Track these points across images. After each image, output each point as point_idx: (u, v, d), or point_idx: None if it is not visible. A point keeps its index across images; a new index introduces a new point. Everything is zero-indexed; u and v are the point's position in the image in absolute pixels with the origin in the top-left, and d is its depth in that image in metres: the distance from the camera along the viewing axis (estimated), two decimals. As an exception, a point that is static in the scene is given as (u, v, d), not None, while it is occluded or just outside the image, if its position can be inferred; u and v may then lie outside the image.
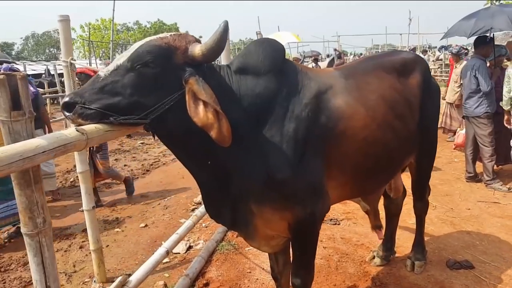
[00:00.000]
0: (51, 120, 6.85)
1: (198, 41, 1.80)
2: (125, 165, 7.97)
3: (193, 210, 5.23)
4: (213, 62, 1.89)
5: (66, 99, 1.67)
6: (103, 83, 1.68)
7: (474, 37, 5.44)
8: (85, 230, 4.58)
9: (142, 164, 8.00)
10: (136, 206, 5.60)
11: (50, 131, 5.52)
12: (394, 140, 2.33)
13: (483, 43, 5.19)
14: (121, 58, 1.72)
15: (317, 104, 1.99)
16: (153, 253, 4.05)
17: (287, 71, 2.01)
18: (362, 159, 2.17)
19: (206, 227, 4.59)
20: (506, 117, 4.85)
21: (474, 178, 5.41)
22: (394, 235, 3.44)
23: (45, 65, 22.83)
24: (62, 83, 11.91)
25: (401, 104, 2.42)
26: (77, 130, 1.58)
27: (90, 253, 3.93)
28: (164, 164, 8.04)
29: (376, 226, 3.13)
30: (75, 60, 3.11)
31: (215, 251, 3.82)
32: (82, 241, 4.38)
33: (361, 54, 27.61)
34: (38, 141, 1.39)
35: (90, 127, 1.65)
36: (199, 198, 5.55)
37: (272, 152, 1.89)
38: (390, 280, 3.15)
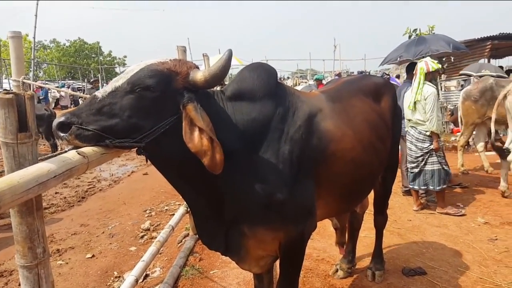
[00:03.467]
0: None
1: (197, 67, 1.82)
2: (56, 193, 7.37)
3: (142, 237, 5.03)
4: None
5: (62, 118, 1.60)
6: (101, 104, 1.65)
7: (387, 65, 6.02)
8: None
9: (76, 191, 7.47)
10: (77, 236, 5.21)
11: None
12: (375, 160, 2.50)
13: (412, 68, 5.54)
14: (119, 80, 1.70)
15: (309, 126, 2.07)
16: (106, 284, 3.87)
17: (281, 94, 2.07)
18: (349, 179, 2.29)
19: (161, 253, 4.42)
20: (436, 142, 4.91)
21: (409, 192, 5.85)
22: (355, 248, 3.61)
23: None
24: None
25: (380, 126, 2.60)
26: (78, 153, 1.51)
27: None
28: (100, 190, 7.60)
29: (341, 242, 3.27)
30: (28, 79, 2.92)
31: (180, 277, 3.70)
32: (26, 278, 3.97)
33: (288, 77, 28.81)
34: (49, 166, 1.32)
35: (88, 149, 1.59)
36: (147, 224, 5.37)
37: (269, 174, 1.92)
38: (355, 291, 3.30)
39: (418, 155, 5.02)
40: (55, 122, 1.62)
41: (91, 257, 4.48)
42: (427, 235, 4.45)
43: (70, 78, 25.97)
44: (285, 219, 2.00)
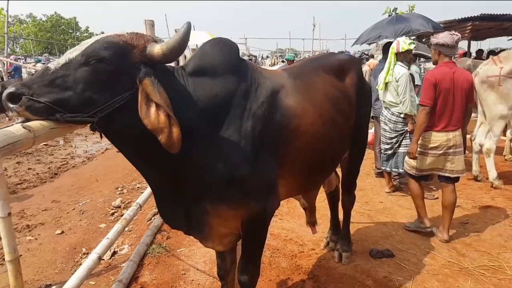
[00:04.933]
0: None
1: (156, 41, 1.75)
2: (29, 169, 7.26)
3: (112, 214, 4.99)
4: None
5: (12, 89, 1.52)
6: (53, 76, 1.58)
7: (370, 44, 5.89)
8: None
9: (49, 168, 7.35)
10: (48, 212, 5.15)
11: None
12: (337, 136, 2.50)
13: (389, 48, 5.27)
14: (73, 52, 1.63)
15: (272, 102, 2.06)
16: (74, 261, 3.84)
17: (243, 70, 2.04)
18: (311, 155, 2.29)
19: (130, 231, 4.40)
20: (411, 125, 4.79)
21: (382, 174, 5.91)
22: (338, 218, 3.70)
23: None
24: None
25: (342, 102, 2.60)
26: (23, 127, 1.45)
27: (1, 264, 3.57)
28: (73, 166, 7.50)
29: (311, 222, 3.29)
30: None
31: (146, 255, 3.69)
32: (-10, 251, 3.93)
33: (267, 56, 28.54)
34: (-14, 139, 1.25)
35: (35, 123, 1.53)
36: (117, 201, 5.33)
37: (231, 150, 1.91)
38: (321, 271, 3.33)
39: (392, 136, 4.98)
40: (5, 93, 1.54)
41: (60, 233, 4.45)
42: (398, 217, 4.51)
43: (47, 54, 25.25)
44: (246, 196, 1.99)
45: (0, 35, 22.87)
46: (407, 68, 4.86)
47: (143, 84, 1.63)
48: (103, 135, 1.74)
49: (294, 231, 4.13)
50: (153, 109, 1.61)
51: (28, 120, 1.54)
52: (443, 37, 3.64)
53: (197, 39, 11.73)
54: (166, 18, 18.86)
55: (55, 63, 1.64)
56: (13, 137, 1.36)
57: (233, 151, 1.91)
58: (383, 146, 5.14)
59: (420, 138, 3.76)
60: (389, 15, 10.05)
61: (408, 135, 4.88)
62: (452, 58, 3.85)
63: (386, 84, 4.85)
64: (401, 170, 4.98)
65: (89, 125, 1.66)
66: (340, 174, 3.43)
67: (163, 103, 1.61)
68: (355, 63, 2.96)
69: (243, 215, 2.06)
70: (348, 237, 3.57)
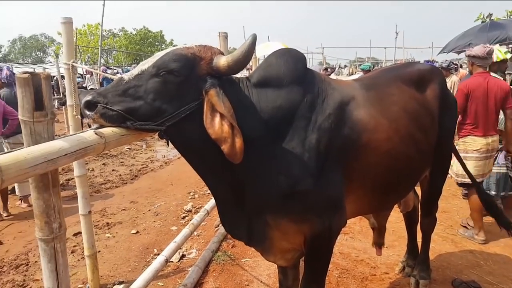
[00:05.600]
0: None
1: (222, 53, 1.77)
2: (113, 170, 7.82)
3: (183, 218, 5.15)
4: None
5: (89, 97, 1.62)
6: (126, 86, 1.66)
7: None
8: (76, 235, 4.48)
9: (130, 170, 7.86)
10: (126, 211, 5.47)
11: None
12: (415, 153, 2.30)
13: None
14: (145, 64, 1.70)
15: (340, 115, 1.96)
16: (145, 260, 4.00)
17: (310, 80, 1.96)
18: (383, 172, 2.13)
19: (199, 236, 4.50)
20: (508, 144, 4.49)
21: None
22: (416, 242, 3.40)
23: (32, 68, 22.45)
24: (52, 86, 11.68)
25: (422, 116, 2.39)
26: (96, 133, 1.51)
27: (82, 258, 3.83)
28: (152, 170, 7.93)
29: (378, 243, 3.08)
30: (76, 63, 3.01)
31: (211, 261, 3.72)
32: (73, 246, 4.26)
33: (345, 66, 27.86)
34: (61, 143, 1.32)
35: (107, 130, 1.60)
36: (189, 206, 5.49)
37: (293, 163, 1.84)
38: (394, 298, 3.10)
39: None
40: (82, 101, 1.65)
41: (135, 233, 4.68)
42: (488, 245, 4.04)
43: (135, 64, 27.42)
44: (309, 211, 1.91)
45: (95, 47, 25.14)
46: (501, 79, 4.40)
47: (208, 94, 1.65)
48: (169, 142, 1.77)
49: (366, 252, 3.89)
50: (217, 119, 1.63)
51: (102, 126, 1.62)
52: (475, 50, 3.97)
53: (271, 49, 11.76)
54: (244, 30, 19.38)
55: (129, 73, 1.71)
56: (85, 142, 1.42)
57: (296, 164, 1.84)
58: None
59: (461, 142, 4.06)
60: (482, 22, 9.28)
61: (502, 153, 4.40)
62: (487, 68, 4.10)
63: None
64: (493, 192, 4.51)
65: (157, 133, 1.71)
66: (419, 193, 3.17)
67: (227, 113, 1.61)
68: (437, 73, 2.72)
69: (305, 230, 1.97)
70: (427, 263, 3.26)
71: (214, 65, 1.69)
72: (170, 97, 1.66)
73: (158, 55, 1.72)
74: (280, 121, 1.84)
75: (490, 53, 3.91)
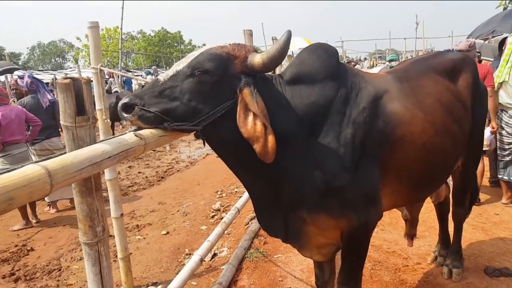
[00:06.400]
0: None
1: (256, 51, 1.77)
2: (139, 172, 7.95)
3: (212, 217, 5.20)
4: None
5: (126, 100, 1.65)
6: (162, 87, 1.67)
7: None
8: (109, 238, 4.55)
9: (157, 171, 7.97)
10: (155, 213, 5.55)
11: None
12: (450, 145, 2.27)
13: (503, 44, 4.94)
14: (180, 64, 1.71)
15: (374, 108, 1.94)
16: (177, 261, 4.05)
17: (343, 75, 1.95)
18: (419, 165, 2.11)
19: (229, 234, 4.53)
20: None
21: (498, 183, 5.29)
22: (448, 232, 3.39)
23: (52, 74, 22.96)
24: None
25: (457, 107, 2.36)
26: (135, 135, 1.54)
27: (113, 261, 3.90)
28: (178, 171, 8.01)
29: (410, 235, 3.05)
30: (104, 67, 3.07)
31: (244, 259, 3.75)
32: (107, 249, 4.33)
33: (365, 58, 27.48)
34: (104, 146, 1.35)
35: (145, 131, 1.62)
36: (217, 205, 5.54)
37: (329, 159, 1.84)
38: (428, 288, 3.07)
39: (510, 141, 4.46)
40: (120, 103, 1.68)
41: (165, 234, 4.75)
42: (519, 232, 3.97)
43: (155, 66, 27.72)
44: (346, 206, 1.90)
45: (115, 50, 25.54)
46: None
47: (242, 93, 1.65)
48: (205, 142, 1.80)
49: (397, 243, 3.86)
50: (250, 118, 1.63)
51: (140, 128, 1.64)
52: (461, 45, 4.71)
53: (292, 45, 11.76)
54: (263, 27, 19.26)
55: (164, 75, 1.73)
56: (127, 144, 1.44)
57: (331, 160, 1.83)
58: (500, 153, 4.60)
59: None
60: (504, 9, 9.02)
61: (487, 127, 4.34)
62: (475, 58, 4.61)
63: (501, 83, 4.36)
64: None
65: (193, 133, 1.72)
66: (450, 183, 3.13)
67: (260, 113, 1.61)
68: (469, 62, 2.66)
69: (342, 226, 1.96)
70: (459, 252, 3.23)
71: (248, 63, 1.69)
72: (205, 97, 1.66)
73: (192, 54, 1.72)
74: (314, 117, 1.84)
75: (471, 45, 4.55)
